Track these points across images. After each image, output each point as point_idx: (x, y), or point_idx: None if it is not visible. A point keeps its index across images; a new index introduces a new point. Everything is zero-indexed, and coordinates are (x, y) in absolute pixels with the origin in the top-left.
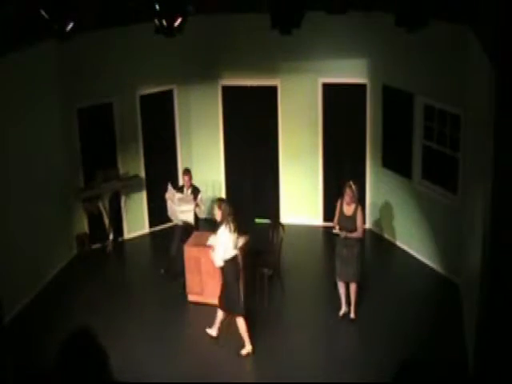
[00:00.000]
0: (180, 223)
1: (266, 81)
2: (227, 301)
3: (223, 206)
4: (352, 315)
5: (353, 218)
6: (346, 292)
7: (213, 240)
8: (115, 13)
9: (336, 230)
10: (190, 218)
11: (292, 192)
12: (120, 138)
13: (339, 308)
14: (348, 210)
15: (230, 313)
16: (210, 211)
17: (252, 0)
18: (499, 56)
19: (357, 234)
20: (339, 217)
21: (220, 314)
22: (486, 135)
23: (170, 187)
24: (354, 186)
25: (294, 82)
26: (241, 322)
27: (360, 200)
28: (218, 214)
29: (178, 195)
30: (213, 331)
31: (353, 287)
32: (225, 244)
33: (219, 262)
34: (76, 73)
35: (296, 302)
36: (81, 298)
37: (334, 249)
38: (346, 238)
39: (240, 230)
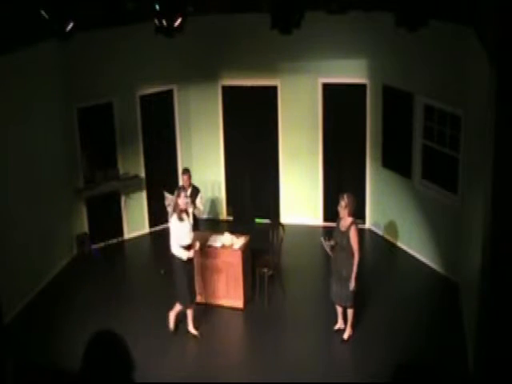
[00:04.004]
0: None
1: (266, 81)
2: (177, 292)
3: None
4: (345, 336)
5: (346, 234)
6: (343, 310)
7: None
8: (115, 13)
9: (325, 242)
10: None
11: (292, 192)
12: (120, 137)
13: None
14: (342, 224)
15: (180, 304)
16: (210, 211)
17: (252, 0)
18: (499, 56)
19: (355, 257)
20: (335, 230)
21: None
22: (486, 135)
23: (165, 194)
24: (346, 199)
25: (293, 81)
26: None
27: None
28: (183, 203)
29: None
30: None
31: (347, 310)
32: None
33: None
34: (76, 73)
35: (296, 302)
36: (81, 298)
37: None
38: (335, 255)
39: (240, 230)
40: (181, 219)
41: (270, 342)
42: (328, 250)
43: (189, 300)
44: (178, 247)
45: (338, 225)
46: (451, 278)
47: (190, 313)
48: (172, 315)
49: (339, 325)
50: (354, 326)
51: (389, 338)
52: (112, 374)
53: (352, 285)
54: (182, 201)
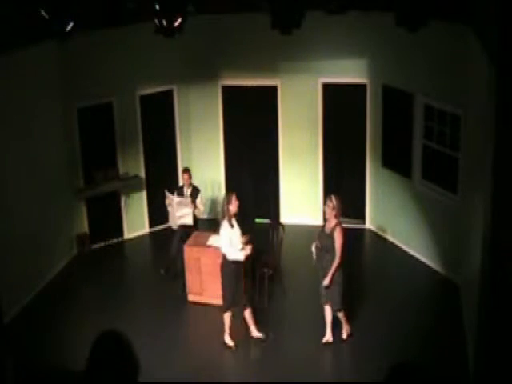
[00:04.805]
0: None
1: (266, 81)
2: (227, 299)
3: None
4: (344, 335)
5: (330, 236)
6: (331, 319)
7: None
8: (115, 13)
9: (313, 248)
10: (189, 221)
11: (292, 192)
12: (120, 137)
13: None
14: (327, 226)
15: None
16: (211, 211)
17: (252, 0)
18: (499, 56)
19: (335, 260)
20: (320, 232)
21: (227, 318)
22: (486, 135)
23: (167, 194)
24: (334, 200)
25: (294, 82)
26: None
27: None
28: (235, 208)
29: (177, 199)
30: (227, 339)
31: (337, 313)
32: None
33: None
34: (76, 73)
35: (296, 302)
36: (81, 298)
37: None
38: (321, 258)
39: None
40: (232, 226)
41: (270, 341)
42: (314, 254)
43: (234, 304)
44: (232, 251)
45: (324, 226)
46: (451, 278)
47: (227, 319)
48: (226, 329)
49: (327, 338)
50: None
51: (388, 338)
52: (117, 374)
53: (326, 280)
54: (234, 205)
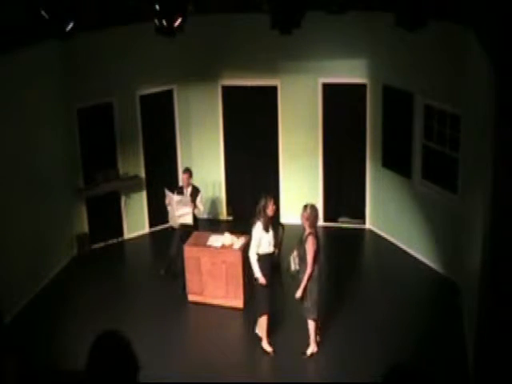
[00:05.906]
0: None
1: (266, 81)
2: (264, 300)
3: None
4: (308, 351)
5: (303, 245)
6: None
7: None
8: (115, 13)
9: (292, 256)
10: (189, 220)
11: (292, 192)
12: (120, 138)
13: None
14: (304, 235)
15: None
16: (211, 211)
17: (252, 0)
18: (499, 56)
19: (307, 268)
20: (298, 241)
21: (264, 321)
22: (486, 135)
23: (166, 192)
24: (309, 210)
25: (294, 81)
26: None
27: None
28: (271, 211)
29: (176, 198)
30: (266, 345)
31: (309, 323)
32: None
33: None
34: (76, 73)
35: (296, 302)
36: (81, 298)
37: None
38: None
39: (240, 230)
40: (267, 230)
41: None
42: (294, 264)
43: (267, 309)
44: (255, 259)
45: (302, 236)
46: (451, 278)
47: (264, 326)
48: (264, 335)
49: (311, 349)
50: (318, 343)
51: (388, 338)
52: (117, 374)
53: (298, 292)
54: (271, 209)
